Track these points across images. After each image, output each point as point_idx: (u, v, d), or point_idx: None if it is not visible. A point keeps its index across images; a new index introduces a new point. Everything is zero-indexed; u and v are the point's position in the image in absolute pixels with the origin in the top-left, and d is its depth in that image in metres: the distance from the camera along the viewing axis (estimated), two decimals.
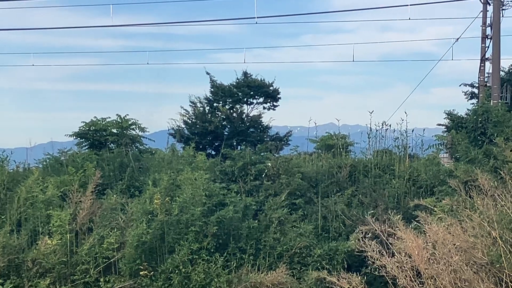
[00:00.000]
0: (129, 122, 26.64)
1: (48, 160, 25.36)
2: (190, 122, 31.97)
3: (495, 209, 14.93)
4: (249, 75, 33.02)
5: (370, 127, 24.98)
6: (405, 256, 14.85)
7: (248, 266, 19.28)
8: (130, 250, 18.86)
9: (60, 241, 19.46)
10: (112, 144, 26.37)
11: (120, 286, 18.95)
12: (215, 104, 32.55)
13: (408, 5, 37.29)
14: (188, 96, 32.60)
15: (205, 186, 19.91)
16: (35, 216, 20.56)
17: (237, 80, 32.90)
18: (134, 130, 26.83)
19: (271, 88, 33.04)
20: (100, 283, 19.08)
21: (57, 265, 19.10)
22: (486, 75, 39.19)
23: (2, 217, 20.93)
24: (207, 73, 33.36)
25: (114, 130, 26.54)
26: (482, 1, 38.60)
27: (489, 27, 37.98)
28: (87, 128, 26.53)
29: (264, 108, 33.27)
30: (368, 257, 15.34)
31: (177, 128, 31.96)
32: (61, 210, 20.09)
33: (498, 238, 14.18)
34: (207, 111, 32.34)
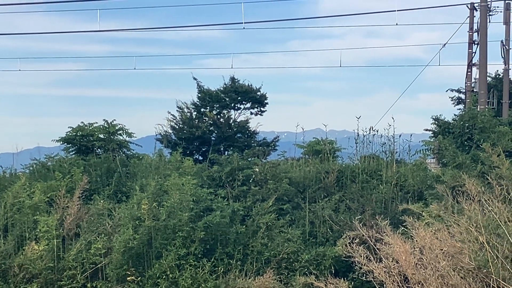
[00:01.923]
0: (116, 127, 26.56)
1: (34, 166, 25.29)
2: (177, 127, 31.92)
3: (482, 214, 14.94)
4: (236, 80, 33.03)
5: (358, 133, 25.04)
6: (392, 261, 14.84)
7: (235, 271, 19.28)
8: (117, 255, 18.82)
9: (47, 247, 19.40)
10: (99, 150, 26.31)
11: None
12: (202, 110, 32.53)
13: (395, 11, 37.52)
14: (175, 102, 32.58)
15: (192, 192, 19.90)
16: (21, 222, 20.49)
17: (225, 86, 32.89)
18: (121, 136, 26.76)
19: (258, 93, 33.04)
20: None
21: (44, 270, 19.04)
22: (473, 80, 39.41)
23: None
24: (194, 79, 33.35)
25: (101, 136, 26.44)
26: (469, 7, 38.80)
27: (476, 33, 38.19)
28: (74, 134, 26.43)
29: (251, 113, 33.27)
30: (355, 262, 15.31)
31: (164, 133, 31.89)
32: (48, 216, 20.05)
33: (485, 243, 14.20)
34: (194, 116, 32.31)
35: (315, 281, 17.17)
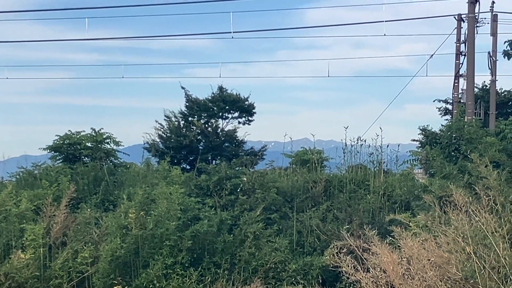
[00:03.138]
0: (104, 136, 26.52)
1: (21, 174, 25.23)
2: (165, 136, 31.87)
3: (469, 224, 14.96)
4: (224, 89, 33.01)
5: (345, 143, 25.07)
6: (380, 271, 14.82)
7: (223, 281, 19.22)
8: (104, 264, 18.75)
9: (33, 255, 19.31)
10: (86, 158, 26.25)
11: None
12: (190, 119, 32.48)
13: (383, 21, 37.56)
14: (163, 110, 32.53)
15: (180, 201, 19.86)
16: (8, 230, 20.41)
17: (213, 95, 32.87)
18: (109, 144, 26.73)
19: (246, 103, 33.03)
20: None
21: (30, 279, 18.94)
22: (460, 91, 39.42)
23: None
24: (182, 88, 33.32)
25: (89, 144, 26.40)
26: (457, 18, 38.86)
27: (463, 44, 38.24)
28: (61, 142, 26.37)
29: (239, 122, 33.25)
30: (342, 272, 15.30)
31: (152, 142, 31.83)
32: (35, 224, 19.96)
33: (472, 253, 14.22)
34: (182, 125, 32.25)
35: None
